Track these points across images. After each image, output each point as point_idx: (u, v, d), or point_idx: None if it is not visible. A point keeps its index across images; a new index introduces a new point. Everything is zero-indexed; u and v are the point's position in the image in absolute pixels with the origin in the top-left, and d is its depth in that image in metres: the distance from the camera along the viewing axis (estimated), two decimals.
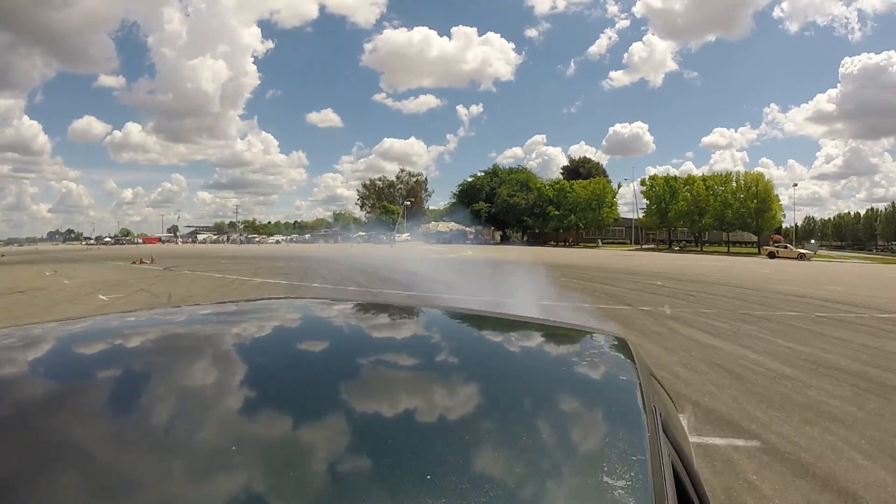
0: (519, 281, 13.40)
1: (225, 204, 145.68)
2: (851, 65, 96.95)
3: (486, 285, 13.42)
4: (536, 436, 0.69)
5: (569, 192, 61.44)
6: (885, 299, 14.35)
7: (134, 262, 27.11)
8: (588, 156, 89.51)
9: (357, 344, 1.15)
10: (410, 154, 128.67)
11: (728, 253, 50.09)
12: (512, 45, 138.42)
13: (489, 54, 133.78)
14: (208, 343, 1.09)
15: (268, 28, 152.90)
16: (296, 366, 0.95)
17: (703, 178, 55.67)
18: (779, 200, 53.61)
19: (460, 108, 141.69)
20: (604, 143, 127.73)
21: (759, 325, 9.56)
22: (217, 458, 0.60)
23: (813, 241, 64.71)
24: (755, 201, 50.81)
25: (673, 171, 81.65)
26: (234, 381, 0.85)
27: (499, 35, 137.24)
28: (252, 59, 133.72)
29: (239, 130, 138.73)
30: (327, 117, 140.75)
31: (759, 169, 67.26)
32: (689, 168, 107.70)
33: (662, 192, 55.80)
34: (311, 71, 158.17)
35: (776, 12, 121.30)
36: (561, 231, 61.81)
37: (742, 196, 51.75)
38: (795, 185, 68.54)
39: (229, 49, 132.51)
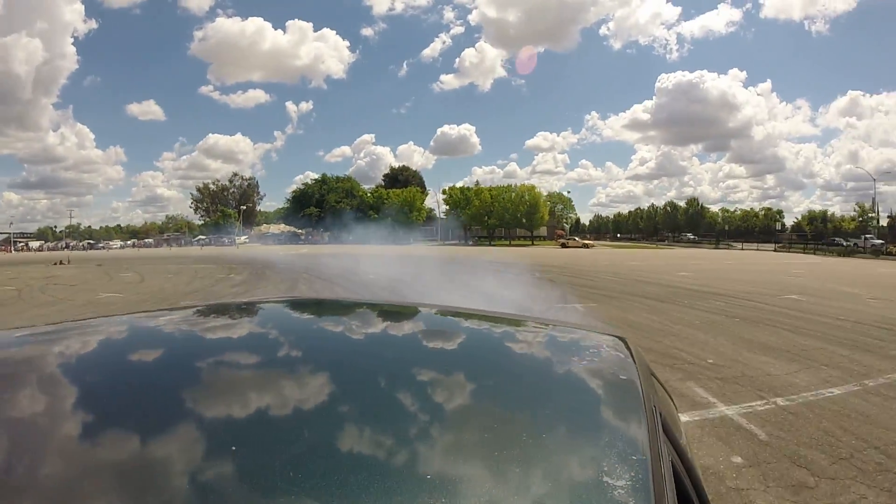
0: (338, 261, 23.11)
1: (34, 206, 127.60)
2: (667, 80, 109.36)
3: (319, 262, 22.64)
4: (536, 435, 0.70)
5: (386, 198, 72.66)
6: (589, 264, 26.18)
7: None
8: (416, 156, 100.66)
9: (357, 344, 1.15)
10: (236, 152, 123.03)
11: (532, 244, 65.22)
12: (347, 43, 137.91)
13: (323, 51, 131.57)
14: (211, 343, 1.11)
15: (93, 5, 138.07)
16: (296, 365, 0.95)
17: (489, 189, 71.51)
18: (547, 206, 71.14)
19: (290, 105, 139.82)
20: (432, 143, 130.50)
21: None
22: (218, 457, 0.61)
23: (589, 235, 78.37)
24: (527, 206, 67.36)
25: (498, 171, 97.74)
26: (234, 381, 0.85)
27: (334, 32, 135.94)
28: (72, 40, 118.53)
29: (51, 121, 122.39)
30: (149, 109, 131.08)
31: (579, 170, 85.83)
32: (514, 169, 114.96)
33: (458, 199, 69.91)
34: (135, 57, 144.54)
35: (602, 30, 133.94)
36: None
37: (518, 202, 67.90)
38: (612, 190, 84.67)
39: (48, 26, 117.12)
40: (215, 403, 0.77)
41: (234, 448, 0.62)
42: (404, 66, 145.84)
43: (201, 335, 1.20)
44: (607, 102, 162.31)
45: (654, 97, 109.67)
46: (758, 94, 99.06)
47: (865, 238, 53.21)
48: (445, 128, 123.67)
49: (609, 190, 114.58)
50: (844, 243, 52.57)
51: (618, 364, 1.05)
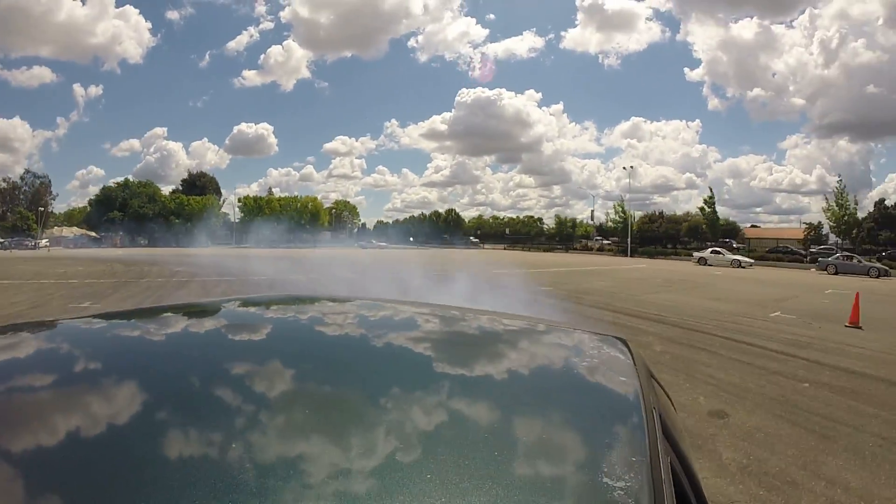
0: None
1: None
2: (466, 95, 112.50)
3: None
4: (536, 436, 0.70)
5: (187, 205, 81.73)
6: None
7: None
8: (210, 154, 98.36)
9: (356, 342, 1.15)
10: (12, 139, 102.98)
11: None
12: (149, 25, 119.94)
13: (122, 30, 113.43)
14: (210, 340, 1.11)
15: None
16: (295, 364, 0.95)
17: (279, 199, 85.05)
18: (328, 214, 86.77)
19: (77, 88, 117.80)
20: (227, 141, 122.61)
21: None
22: (218, 457, 0.61)
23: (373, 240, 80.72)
24: (309, 215, 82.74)
25: (294, 174, 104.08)
26: (234, 380, 0.85)
27: (138, 11, 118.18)
28: None
29: None
30: None
31: (375, 175, 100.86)
32: (310, 172, 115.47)
33: (252, 207, 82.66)
34: None
35: (411, 42, 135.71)
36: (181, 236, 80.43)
37: (302, 211, 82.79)
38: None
39: None
40: (212, 401, 0.77)
41: (232, 446, 0.62)
42: (207, 56, 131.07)
43: (199, 333, 1.20)
44: (408, 111, 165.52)
45: (453, 110, 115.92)
46: (550, 114, 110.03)
47: (596, 239, 72.99)
48: (243, 126, 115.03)
49: (405, 196, 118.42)
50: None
51: (617, 365, 1.05)
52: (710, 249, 44.07)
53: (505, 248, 76.18)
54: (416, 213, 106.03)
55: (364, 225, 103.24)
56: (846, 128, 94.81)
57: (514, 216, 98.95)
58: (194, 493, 0.53)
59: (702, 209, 63.97)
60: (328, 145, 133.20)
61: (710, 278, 25.50)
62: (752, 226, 78.96)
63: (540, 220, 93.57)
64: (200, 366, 0.93)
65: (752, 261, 41.54)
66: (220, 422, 0.70)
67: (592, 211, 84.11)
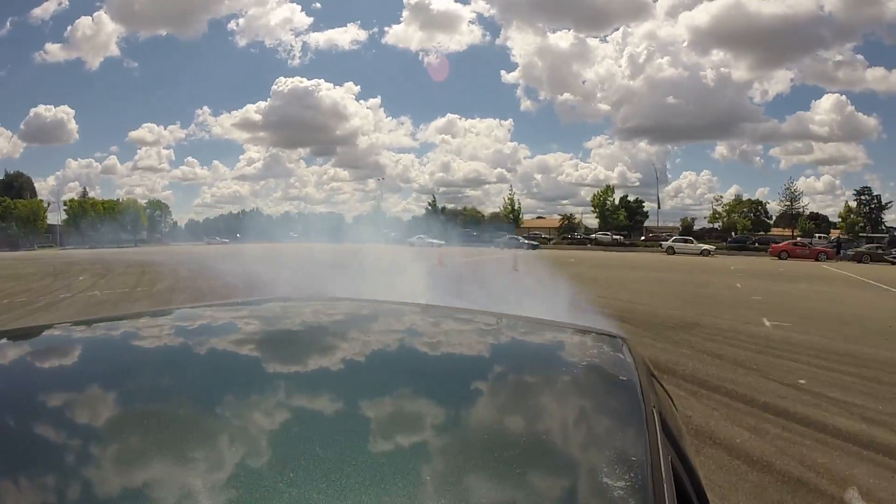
0: None
1: None
2: (284, 84, 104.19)
3: None
4: (536, 436, 0.70)
5: (13, 209, 74.66)
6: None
7: None
8: (2, 140, 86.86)
9: (356, 343, 1.15)
10: None
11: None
12: None
13: None
14: (212, 343, 1.10)
15: None
16: (296, 365, 0.95)
17: (102, 202, 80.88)
18: (144, 213, 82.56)
19: None
20: (22, 126, 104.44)
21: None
22: (218, 457, 0.60)
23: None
24: (130, 217, 79.65)
25: (96, 165, 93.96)
26: (235, 381, 0.85)
27: None
28: None
29: None
30: None
31: (184, 167, 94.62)
32: (113, 163, 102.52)
33: (77, 210, 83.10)
34: None
35: (232, 25, 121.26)
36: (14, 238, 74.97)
37: (124, 213, 79.34)
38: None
39: None
40: (213, 402, 0.76)
41: (233, 448, 0.62)
42: (8, 24, 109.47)
43: (200, 335, 1.19)
44: (221, 99, 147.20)
45: (268, 99, 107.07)
46: (367, 108, 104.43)
47: (420, 237, 77.13)
48: (41, 108, 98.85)
49: (215, 190, 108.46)
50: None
51: (618, 364, 1.05)
52: (673, 238, 46.93)
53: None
54: (227, 209, 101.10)
55: (176, 224, 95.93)
56: (646, 131, 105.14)
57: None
58: (196, 492, 0.53)
59: (507, 207, 70.56)
60: (134, 133, 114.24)
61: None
62: (539, 217, 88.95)
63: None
64: (199, 370, 0.93)
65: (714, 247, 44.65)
66: (219, 425, 0.70)
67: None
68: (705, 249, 41.93)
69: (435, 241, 43.39)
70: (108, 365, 0.96)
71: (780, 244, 41.60)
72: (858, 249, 39.41)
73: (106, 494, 0.55)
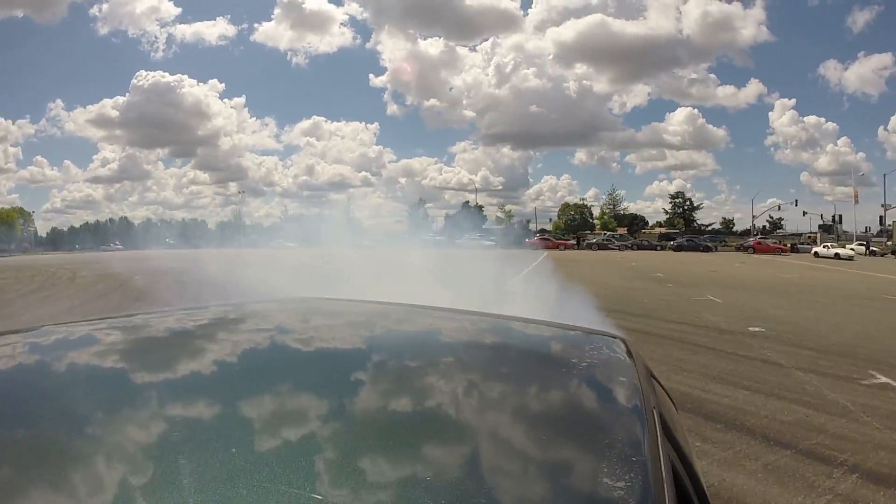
0: None
1: None
2: (144, 78, 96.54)
3: None
4: (536, 436, 0.70)
5: None
6: None
7: None
8: None
9: (356, 344, 1.15)
10: None
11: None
12: None
13: None
14: (213, 344, 1.10)
15: None
16: (297, 366, 0.95)
17: None
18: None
19: None
20: None
21: None
22: (218, 457, 0.60)
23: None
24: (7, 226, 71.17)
25: None
26: (236, 382, 0.85)
27: None
28: None
29: None
30: None
31: (32, 168, 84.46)
32: None
33: None
34: None
35: (94, 10, 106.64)
36: None
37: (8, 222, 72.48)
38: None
39: None
40: (213, 403, 0.77)
41: (233, 449, 0.61)
42: None
43: (201, 336, 1.19)
44: (77, 92, 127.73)
45: (127, 94, 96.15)
46: (231, 107, 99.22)
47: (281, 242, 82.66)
48: None
49: (66, 193, 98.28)
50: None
51: (618, 365, 1.05)
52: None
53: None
54: (79, 215, 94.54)
55: (36, 232, 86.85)
56: (509, 138, 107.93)
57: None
58: (196, 493, 0.53)
59: None
60: None
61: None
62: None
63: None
64: (198, 370, 0.93)
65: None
66: (217, 425, 0.70)
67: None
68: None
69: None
70: (106, 365, 0.96)
71: (534, 239, 58.71)
72: (591, 241, 60.10)
73: (106, 494, 0.55)
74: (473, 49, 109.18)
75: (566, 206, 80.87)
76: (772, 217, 75.78)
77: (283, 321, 1.41)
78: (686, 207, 78.34)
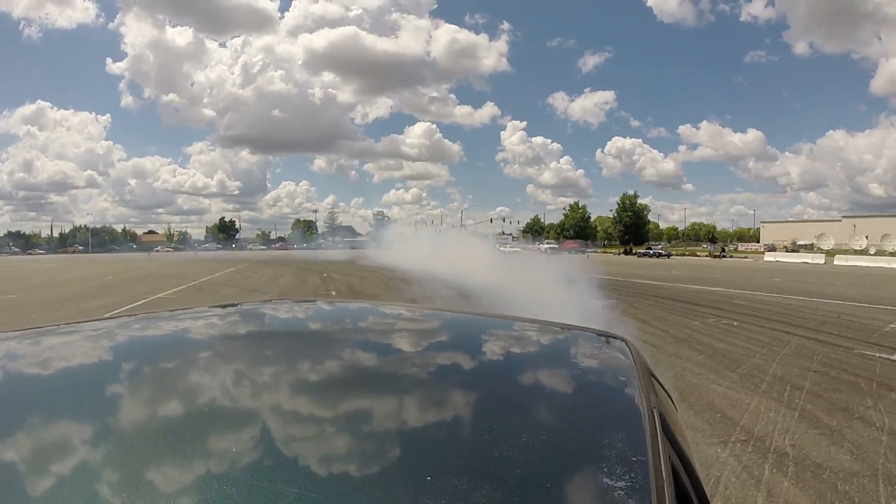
0: None
1: None
2: None
3: None
4: (536, 436, 0.70)
5: None
6: None
7: None
8: None
9: (357, 344, 1.15)
10: None
11: None
12: None
13: None
14: (213, 345, 1.10)
15: None
16: (297, 367, 0.95)
17: None
18: None
19: None
20: None
21: None
22: (218, 458, 0.60)
23: None
24: None
25: None
26: (236, 383, 0.85)
27: None
28: None
29: None
30: None
31: None
32: None
33: None
34: None
35: None
36: None
37: None
38: None
39: None
40: (218, 405, 0.76)
41: (233, 449, 0.61)
42: None
43: (201, 337, 1.19)
44: None
45: None
46: None
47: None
48: None
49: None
50: None
51: (618, 364, 1.05)
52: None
53: None
54: None
55: None
56: (249, 141, 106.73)
57: None
58: (195, 493, 0.53)
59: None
60: None
61: None
62: (150, 231, 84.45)
63: None
64: (196, 370, 0.93)
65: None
66: (228, 424, 0.70)
67: None
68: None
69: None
70: (104, 366, 0.96)
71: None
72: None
73: (105, 494, 0.55)
74: (223, 45, 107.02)
75: (297, 222, 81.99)
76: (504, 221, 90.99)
77: (282, 320, 1.42)
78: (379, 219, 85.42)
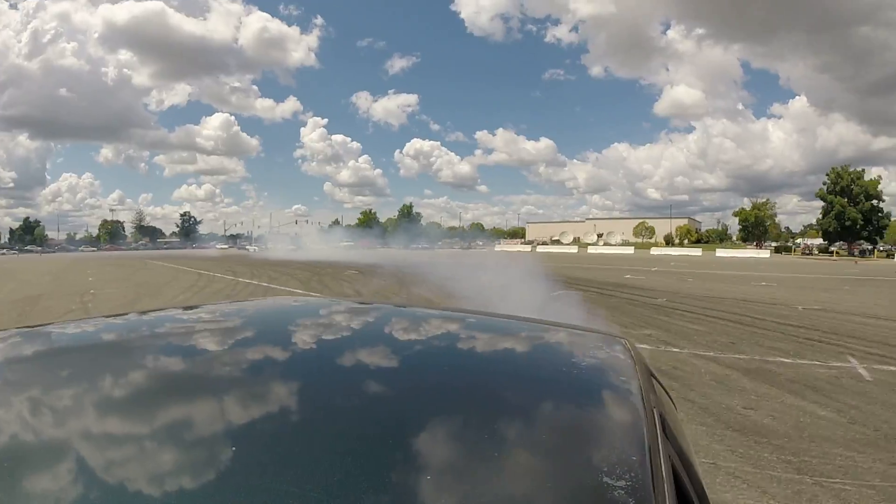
0: None
1: None
2: None
3: None
4: (536, 436, 0.70)
5: None
6: None
7: None
8: None
9: (358, 344, 1.16)
10: None
11: None
12: None
13: None
14: (212, 343, 1.10)
15: None
16: (296, 366, 0.95)
17: None
18: None
19: None
20: None
21: None
22: (218, 458, 0.60)
23: None
24: None
25: None
26: (235, 382, 0.85)
27: None
28: None
29: None
30: None
31: None
32: None
33: None
34: None
35: None
36: None
37: None
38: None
39: None
40: (213, 403, 0.77)
41: (233, 448, 0.62)
42: None
43: (201, 335, 1.19)
44: None
45: None
46: None
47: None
48: None
49: None
50: None
51: (618, 364, 1.05)
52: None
53: None
54: None
55: None
56: (29, 123, 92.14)
57: None
58: (195, 493, 0.54)
59: None
60: None
61: None
62: None
63: None
64: (195, 370, 0.93)
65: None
66: (223, 423, 0.70)
67: None
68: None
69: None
70: (104, 364, 0.96)
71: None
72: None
73: (105, 494, 0.55)
74: (15, 6, 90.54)
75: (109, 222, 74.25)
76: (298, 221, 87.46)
77: (280, 320, 1.40)
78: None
